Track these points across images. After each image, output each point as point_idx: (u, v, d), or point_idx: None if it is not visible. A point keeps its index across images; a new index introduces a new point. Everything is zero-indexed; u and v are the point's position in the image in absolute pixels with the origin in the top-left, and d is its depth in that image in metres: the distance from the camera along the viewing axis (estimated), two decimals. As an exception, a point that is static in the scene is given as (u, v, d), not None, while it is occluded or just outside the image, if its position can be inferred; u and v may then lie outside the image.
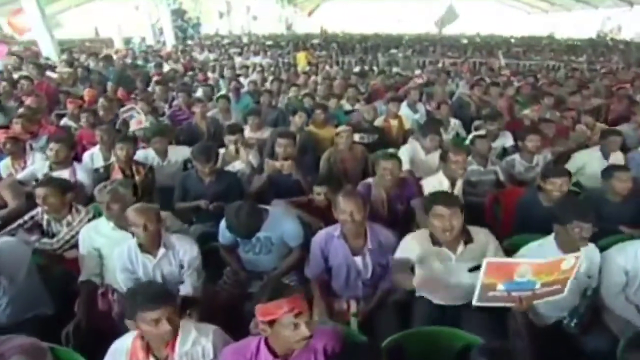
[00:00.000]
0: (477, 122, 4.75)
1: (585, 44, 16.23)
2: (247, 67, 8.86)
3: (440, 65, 10.91)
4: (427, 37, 19.37)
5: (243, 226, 2.30)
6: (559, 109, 5.24)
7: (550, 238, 2.23)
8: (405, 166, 3.46)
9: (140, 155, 3.77)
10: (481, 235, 2.18)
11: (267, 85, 6.76)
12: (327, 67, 10.26)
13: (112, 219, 2.49)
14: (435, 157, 3.73)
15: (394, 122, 5.06)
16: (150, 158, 3.83)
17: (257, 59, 12.17)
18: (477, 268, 1.85)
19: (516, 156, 3.83)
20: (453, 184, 3.00)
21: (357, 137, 4.60)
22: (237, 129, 3.68)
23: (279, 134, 3.37)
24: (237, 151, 3.68)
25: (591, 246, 2.23)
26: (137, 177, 3.51)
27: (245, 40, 16.23)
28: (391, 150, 4.13)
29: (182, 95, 5.22)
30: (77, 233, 2.64)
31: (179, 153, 3.95)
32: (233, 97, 6.16)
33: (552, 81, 6.95)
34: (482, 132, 4.22)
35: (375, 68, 10.39)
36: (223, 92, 6.50)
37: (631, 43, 16.92)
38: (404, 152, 3.66)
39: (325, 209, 2.87)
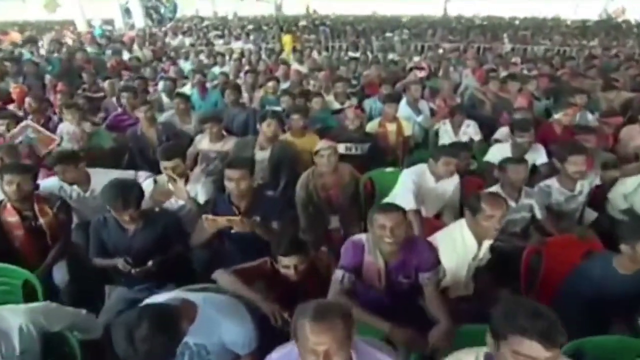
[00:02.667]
0: (500, 133, 3.77)
1: (597, 27, 15.11)
2: (222, 54, 7.72)
3: (441, 51, 9.79)
4: (426, 18, 18.12)
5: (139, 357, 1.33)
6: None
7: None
8: (410, 204, 2.50)
9: (50, 185, 2.78)
10: None
11: (241, 77, 5.69)
12: (315, 54, 9.15)
13: None
14: (447, 185, 2.78)
15: (391, 127, 4.07)
16: (67, 189, 2.83)
17: (238, 44, 11.02)
18: None
19: (553, 181, 2.88)
20: (479, 243, 2.05)
21: (342, 147, 3.62)
22: (174, 152, 2.66)
23: (228, 164, 2.37)
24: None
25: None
26: (41, 220, 2.53)
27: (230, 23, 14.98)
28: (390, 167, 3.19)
29: (127, 95, 4.16)
30: None
31: (110, 178, 2.93)
32: (198, 93, 5.13)
33: (575, 71, 5.93)
34: (506, 145, 3.27)
35: (369, 54, 9.31)
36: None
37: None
38: (406, 181, 2.68)
39: (298, 283, 1.94)
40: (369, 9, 20.67)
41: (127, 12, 12.23)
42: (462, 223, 2.05)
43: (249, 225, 2.22)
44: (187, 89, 5.37)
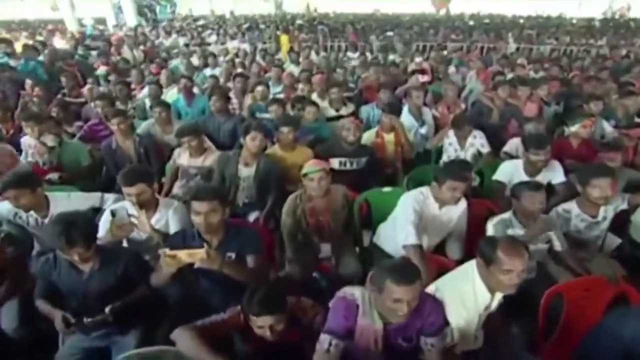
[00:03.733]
0: (510, 146, 3.43)
1: (603, 25, 14.69)
2: (214, 55, 7.38)
3: (445, 52, 9.41)
4: (427, 17, 17.71)
5: None
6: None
7: None
8: (411, 239, 2.16)
9: (1, 211, 2.45)
10: None
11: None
12: (313, 54, 8.79)
13: None
14: (453, 212, 2.43)
15: (389, 137, 3.73)
16: (23, 215, 2.49)
17: (234, 44, 10.67)
18: None
19: (572, 206, 2.54)
20: (493, 293, 1.70)
21: (336, 163, 3.29)
22: (137, 176, 2.28)
23: (194, 195, 2.00)
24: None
25: None
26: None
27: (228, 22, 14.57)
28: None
29: (101, 104, 3.82)
30: None
31: (75, 203, 2.59)
32: (184, 99, 4.79)
33: (587, 74, 5.55)
34: (518, 162, 2.92)
35: (368, 54, 8.95)
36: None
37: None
38: (406, 210, 2.32)
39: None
40: (371, 7, 20.25)
41: (120, 10, 11.84)
42: (474, 273, 1.70)
43: (217, 262, 1.87)
44: (174, 93, 5.04)
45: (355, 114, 4.59)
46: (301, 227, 2.66)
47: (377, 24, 14.11)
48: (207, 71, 6.85)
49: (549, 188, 2.94)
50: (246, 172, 3.17)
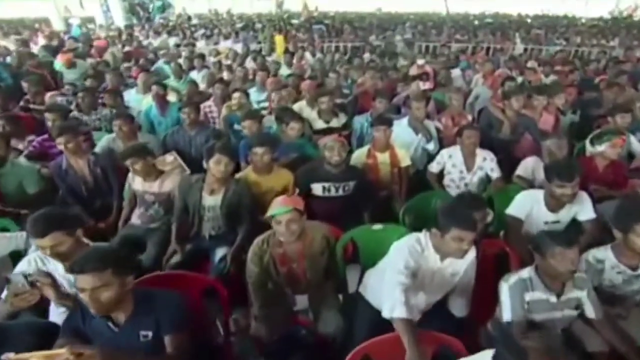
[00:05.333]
0: (525, 168, 2.91)
1: (615, 25, 14.06)
2: (202, 56, 6.87)
3: (447, 52, 8.85)
4: (431, 16, 17.12)
5: None
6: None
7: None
8: (398, 311, 1.65)
9: None
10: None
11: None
12: (308, 56, 8.28)
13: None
14: (458, 265, 1.92)
15: (382, 157, 3.21)
16: None
17: (227, 44, 10.16)
18: None
19: (607, 254, 2.02)
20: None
21: (318, 189, 2.80)
22: (50, 224, 1.73)
23: (73, 266, 1.36)
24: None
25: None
26: None
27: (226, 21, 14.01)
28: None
29: (51, 117, 3.32)
30: None
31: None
32: (157, 107, 4.29)
33: (610, 80, 4.98)
34: (538, 194, 2.39)
35: (365, 56, 8.43)
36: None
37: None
38: (396, 266, 1.80)
39: None
40: (374, 6, 19.65)
41: (108, 9, 11.32)
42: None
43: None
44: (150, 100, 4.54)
45: (348, 126, 4.09)
46: (271, 277, 2.16)
47: (379, 23, 13.54)
48: (194, 74, 6.36)
49: (574, 225, 2.44)
50: (211, 200, 2.67)
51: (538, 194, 2.38)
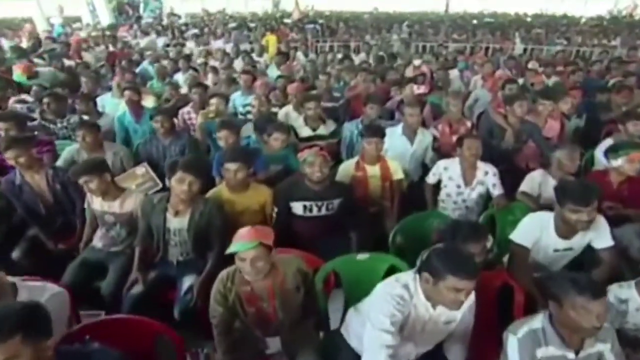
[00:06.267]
0: (531, 183, 2.60)
1: (615, 24, 13.77)
2: (189, 56, 6.54)
3: (445, 53, 8.54)
4: (428, 15, 16.81)
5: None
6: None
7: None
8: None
9: None
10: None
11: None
12: (301, 56, 7.97)
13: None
14: (453, 313, 1.61)
15: (372, 170, 2.90)
16: None
17: (218, 44, 9.83)
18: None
19: (632, 294, 1.72)
20: None
21: (299, 208, 2.49)
22: None
23: None
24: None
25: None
26: None
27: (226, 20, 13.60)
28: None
29: (5, 126, 2.96)
30: None
31: None
32: (131, 114, 3.97)
33: (621, 84, 4.65)
34: (546, 218, 2.08)
35: (363, 55, 8.13)
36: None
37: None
38: (381, 313, 1.49)
39: None
40: (371, 5, 19.32)
41: (94, 8, 10.92)
42: None
43: None
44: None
45: (337, 133, 3.78)
46: (238, 318, 1.85)
47: (375, 23, 13.22)
48: (179, 76, 6.04)
49: (589, 253, 2.13)
50: (177, 223, 2.36)
51: (547, 218, 2.07)
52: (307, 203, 2.48)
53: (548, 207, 2.49)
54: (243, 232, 1.70)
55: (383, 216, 2.96)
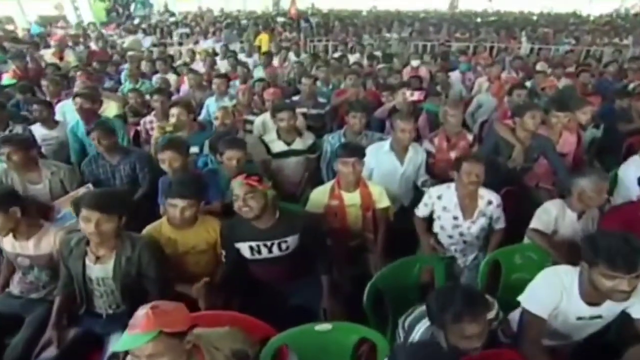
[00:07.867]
0: (543, 219, 2.07)
1: (629, 22, 13.15)
2: (171, 57, 6.06)
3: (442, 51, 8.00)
4: (429, 13, 16.23)
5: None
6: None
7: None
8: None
9: None
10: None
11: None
12: (292, 56, 7.47)
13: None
14: None
15: (350, 198, 2.40)
16: None
17: (207, 43, 9.37)
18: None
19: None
20: None
21: (245, 250, 2.02)
22: None
23: None
24: None
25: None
26: None
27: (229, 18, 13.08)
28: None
29: None
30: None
31: None
32: (84, 124, 3.48)
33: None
34: (571, 274, 1.57)
35: (358, 56, 7.61)
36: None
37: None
38: None
39: None
40: (370, 4, 18.76)
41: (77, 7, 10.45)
42: None
43: None
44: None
45: (317, 147, 3.27)
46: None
47: (374, 21, 12.67)
48: (157, 78, 5.55)
49: (626, 320, 1.62)
50: (99, 271, 1.88)
51: (570, 278, 1.54)
52: (253, 244, 1.97)
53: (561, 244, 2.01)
54: (138, 318, 1.21)
55: (365, 251, 2.48)
